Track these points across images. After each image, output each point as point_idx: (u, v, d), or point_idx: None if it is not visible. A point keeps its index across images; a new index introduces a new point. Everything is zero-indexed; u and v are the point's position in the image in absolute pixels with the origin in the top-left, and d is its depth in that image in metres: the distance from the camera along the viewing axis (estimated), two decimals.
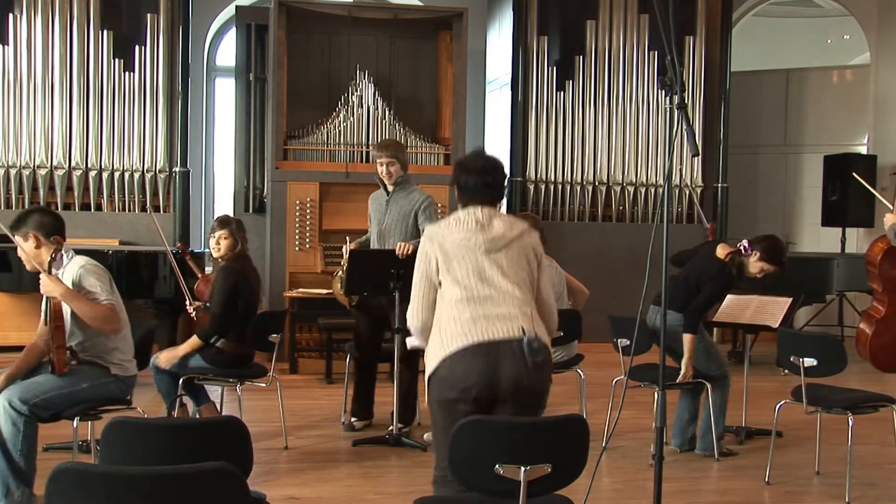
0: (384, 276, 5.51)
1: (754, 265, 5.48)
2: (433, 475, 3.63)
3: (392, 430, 5.83)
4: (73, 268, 4.36)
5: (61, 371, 4.24)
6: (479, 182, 3.62)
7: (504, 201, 10.20)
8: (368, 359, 6.18)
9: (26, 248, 4.35)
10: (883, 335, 5.23)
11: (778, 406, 5.24)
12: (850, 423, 4.95)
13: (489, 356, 3.31)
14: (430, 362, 3.44)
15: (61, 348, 4.25)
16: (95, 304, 4.27)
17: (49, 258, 4.30)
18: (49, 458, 4.44)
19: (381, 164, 5.99)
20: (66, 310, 4.30)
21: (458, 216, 3.61)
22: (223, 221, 5.66)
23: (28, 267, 4.42)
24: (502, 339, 3.33)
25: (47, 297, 4.26)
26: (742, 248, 5.48)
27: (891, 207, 5.25)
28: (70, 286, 4.27)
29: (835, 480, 5.14)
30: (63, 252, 4.40)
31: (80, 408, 4.33)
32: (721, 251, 5.55)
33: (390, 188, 5.99)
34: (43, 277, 4.23)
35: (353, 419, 6.12)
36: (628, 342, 5.31)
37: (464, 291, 3.43)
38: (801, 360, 5.00)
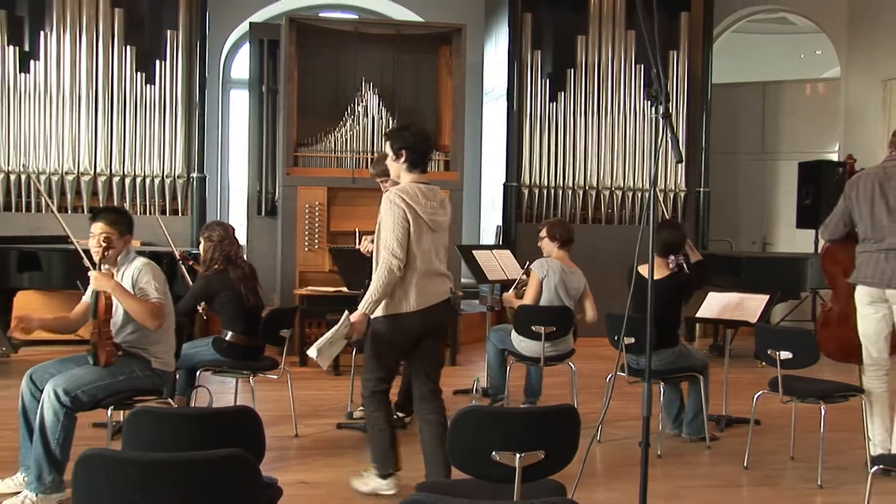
0: (368, 272, 5.45)
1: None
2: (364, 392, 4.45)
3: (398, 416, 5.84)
4: (135, 266, 4.43)
5: (107, 363, 4.29)
6: (426, 148, 4.50)
7: (501, 205, 10.21)
8: None
9: (101, 243, 4.39)
10: (829, 328, 5.31)
11: (756, 396, 5.25)
12: (823, 412, 4.97)
13: (429, 315, 4.34)
14: (385, 311, 4.31)
15: (109, 341, 4.30)
16: (142, 301, 4.32)
17: (115, 255, 4.40)
18: (75, 444, 4.42)
19: (379, 183, 5.99)
20: (118, 305, 4.35)
21: (422, 189, 4.39)
22: (204, 227, 5.74)
23: (96, 259, 4.45)
24: (438, 303, 4.37)
25: (96, 292, 4.29)
26: (673, 262, 5.56)
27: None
28: (130, 281, 4.35)
29: (808, 465, 5.15)
30: (128, 251, 4.48)
31: (116, 397, 4.34)
32: (665, 268, 5.58)
33: None
34: (94, 273, 4.28)
35: (360, 409, 6.09)
36: (633, 340, 5.29)
37: (422, 265, 4.30)
38: (777, 353, 5.02)
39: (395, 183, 5.90)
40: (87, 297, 4.62)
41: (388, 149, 4.54)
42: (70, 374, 4.28)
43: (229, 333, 5.39)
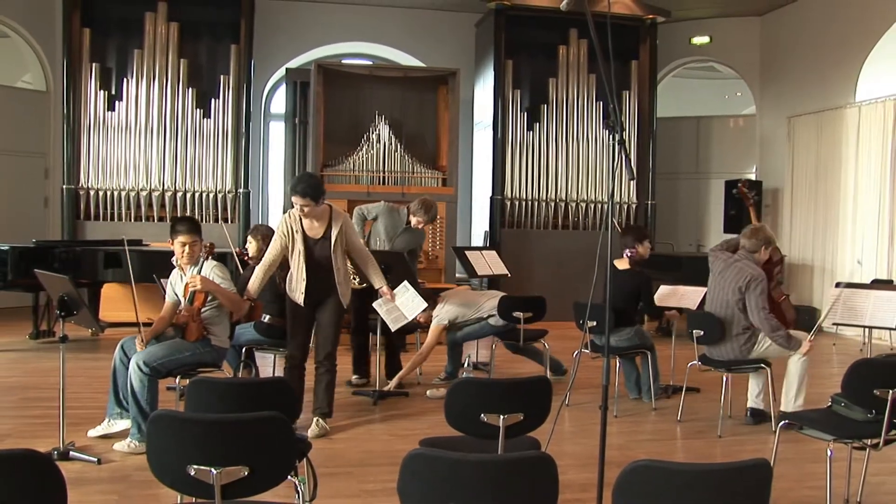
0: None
1: (644, 249, 5.59)
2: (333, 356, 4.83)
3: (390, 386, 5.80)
4: (208, 265, 4.48)
5: (195, 338, 4.38)
6: None
7: (488, 214, 10.19)
8: (360, 330, 6.12)
9: (194, 249, 4.47)
10: None
11: (689, 365, 5.29)
12: (725, 379, 5.02)
13: None
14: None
15: (201, 324, 4.40)
16: (235, 294, 4.49)
17: (195, 256, 4.48)
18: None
19: (420, 222, 6.07)
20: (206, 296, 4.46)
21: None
22: (251, 230, 5.71)
23: (182, 261, 4.48)
24: None
25: (193, 289, 4.36)
26: (629, 254, 5.51)
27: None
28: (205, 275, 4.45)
29: (733, 421, 5.15)
30: (201, 253, 4.56)
31: (183, 368, 4.40)
32: (622, 264, 5.54)
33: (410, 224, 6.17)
34: (198, 277, 4.35)
35: (353, 377, 6.05)
36: (595, 322, 5.25)
37: None
38: (694, 331, 5.08)
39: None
40: (170, 297, 4.63)
41: (308, 199, 4.59)
42: (149, 350, 4.34)
43: (267, 317, 5.35)
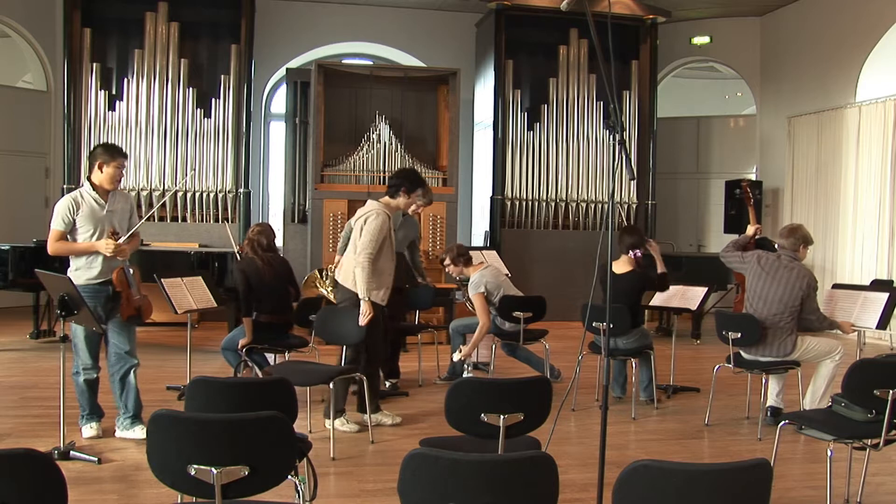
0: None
1: (645, 249, 5.57)
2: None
3: (387, 384, 5.84)
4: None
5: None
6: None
7: (488, 214, 10.18)
8: None
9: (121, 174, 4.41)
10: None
11: (716, 368, 5.19)
12: (764, 381, 4.96)
13: None
14: None
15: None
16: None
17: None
18: (153, 403, 4.42)
19: (420, 205, 5.64)
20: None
21: None
22: (250, 230, 5.64)
23: (110, 185, 4.36)
24: None
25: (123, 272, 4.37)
26: (638, 254, 5.48)
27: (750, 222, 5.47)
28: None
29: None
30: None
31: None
32: (622, 267, 5.49)
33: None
34: (127, 248, 4.35)
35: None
36: (612, 325, 5.21)
37: None
38: (729, 333, 4.95)
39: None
40: (66, 225, 4.34)
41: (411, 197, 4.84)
42: (128, 349, 4.42)
43: (259, 315, 5.31)
